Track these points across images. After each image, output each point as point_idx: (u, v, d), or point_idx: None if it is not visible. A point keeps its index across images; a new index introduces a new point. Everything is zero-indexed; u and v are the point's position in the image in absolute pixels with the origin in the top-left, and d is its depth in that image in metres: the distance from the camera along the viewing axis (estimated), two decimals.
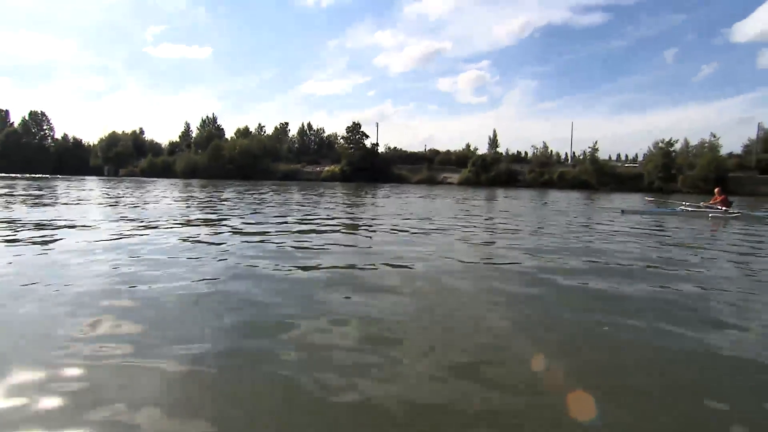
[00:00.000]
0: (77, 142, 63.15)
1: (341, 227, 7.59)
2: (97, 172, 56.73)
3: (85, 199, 13.09)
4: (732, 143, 49.08)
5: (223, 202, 13.05)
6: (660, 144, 40.68)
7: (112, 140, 59.76)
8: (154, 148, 61.97)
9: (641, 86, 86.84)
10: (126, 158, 57.59)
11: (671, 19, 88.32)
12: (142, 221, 7.34)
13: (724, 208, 10.52)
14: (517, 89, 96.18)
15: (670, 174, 38.67)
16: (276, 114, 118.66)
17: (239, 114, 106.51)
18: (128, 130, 62.94)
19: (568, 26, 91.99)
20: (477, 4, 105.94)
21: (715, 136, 40.86)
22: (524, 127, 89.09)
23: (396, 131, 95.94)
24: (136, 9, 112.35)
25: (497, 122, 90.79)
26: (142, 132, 64.95)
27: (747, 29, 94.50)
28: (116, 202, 12.34)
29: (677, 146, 40.91)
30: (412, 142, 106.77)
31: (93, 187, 23.60)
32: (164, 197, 15.44)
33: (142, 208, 10.07)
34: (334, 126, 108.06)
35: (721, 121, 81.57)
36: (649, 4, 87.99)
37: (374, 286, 3.43)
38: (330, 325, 2.52)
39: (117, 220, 7.40)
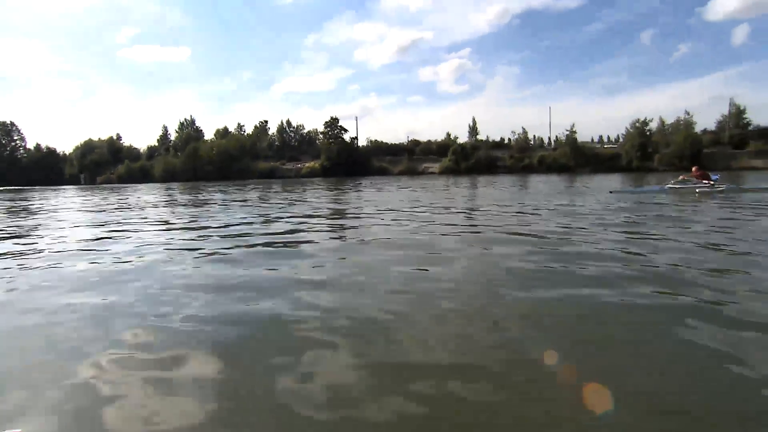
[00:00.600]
0: (51, 152, 61.48)
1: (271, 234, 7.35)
2: (73, 181, 55.45)
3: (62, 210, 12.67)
4: (708, 120, 49.66)
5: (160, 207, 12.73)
6: (636, 124, 41.07)
7: (88, 147, 58.40)
8: (132, 153, 60.70)
9: (621, 68, 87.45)
10: (103, 165, 56.35)
11: (647, 0, 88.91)
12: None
13: (710, 182, 10.44)
14: (499, 76, 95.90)
15: (647, 152, 39.06)
16: (259, 112, 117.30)
17: (222, 114, 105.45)
18: (104, 137, 61.62)
19: (545, 11, 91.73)
20: None
21: (689, 114, 41.33)
22: (508, 113, 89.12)
23: (380, 124, 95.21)
24: (107, 11, 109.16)
25: (480, 110, 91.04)
26: (119, 138, 63.55)
27: (721, 7, 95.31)
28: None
29: (653, 125, 41.37)
30: (397, 135, 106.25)
31: (51, 198, 23.00)
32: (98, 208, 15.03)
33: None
34: (320, 122, 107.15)
35: (699, 99, 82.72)
36: None
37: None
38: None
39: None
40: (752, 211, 6.57)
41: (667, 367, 1.75)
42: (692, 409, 1.45)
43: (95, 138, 61.11)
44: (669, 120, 42.18)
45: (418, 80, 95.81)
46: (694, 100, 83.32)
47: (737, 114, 40.66)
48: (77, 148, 59.08)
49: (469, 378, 1.67)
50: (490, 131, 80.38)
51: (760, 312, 2.24)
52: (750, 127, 39.75)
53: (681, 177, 11.18)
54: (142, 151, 62.51)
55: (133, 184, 43.04)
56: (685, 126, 40.93)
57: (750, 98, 79.10)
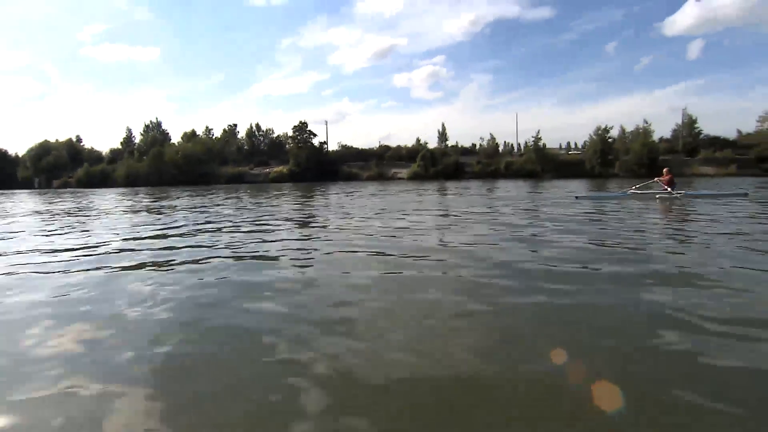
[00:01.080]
0: (2, 154, 58.07)
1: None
2: (27, 185, 52.49)
3: None
4: (666, 129, 52.06)
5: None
6: (598, 131, 42.43)
7: (44, 149, 55.42)
8: (93, 156, 58.08)
9: (589, 78, 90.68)
10: (60, 168, 53.60)
11: (612, 13, 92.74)
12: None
13: (668, 188, 11.11)
14: (473, 83, 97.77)
15: (608, 159, 40.39)
16: (231, 116, 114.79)
17: (192, 117, 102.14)
18: (63, 138, 58.71)
19: (517, 21, 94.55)
20: (429, 0, 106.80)
21: (647, 123, 43.02)
22: (482, 120, 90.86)
23: (354, 129, 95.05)
24: (69, 7, 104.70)
25: (455, 116, 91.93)
26: (79, 140, 60.73)
27: (677, 23, 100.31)
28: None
29: (614, 133, 42.85)
30: (370, 140, 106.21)
31: None
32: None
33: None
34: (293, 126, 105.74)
35: (659, 109, 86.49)
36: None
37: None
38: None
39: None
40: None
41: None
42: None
43: (52, 139, 58.26)
44: (629, 128, 43.90)
45: (392, 86, 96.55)
46: (656, 109, 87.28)
47: (690, 124, 42.66)
48: (31, 149, 55.98)
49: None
50: (465, 137, 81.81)
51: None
52: (701, 136, 41.77)
53: (655, 179, 11.91)
54: (104, 153, 59.96)
55: (93, 189, 41.23)
56: (643, 134, 42.62)
57: (704, 109, 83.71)
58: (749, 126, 41.93)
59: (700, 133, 42.07)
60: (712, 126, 74.67)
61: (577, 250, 4.40)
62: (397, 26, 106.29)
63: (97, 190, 38.55)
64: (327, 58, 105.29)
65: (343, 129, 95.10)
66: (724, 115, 77.39)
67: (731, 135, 41.87)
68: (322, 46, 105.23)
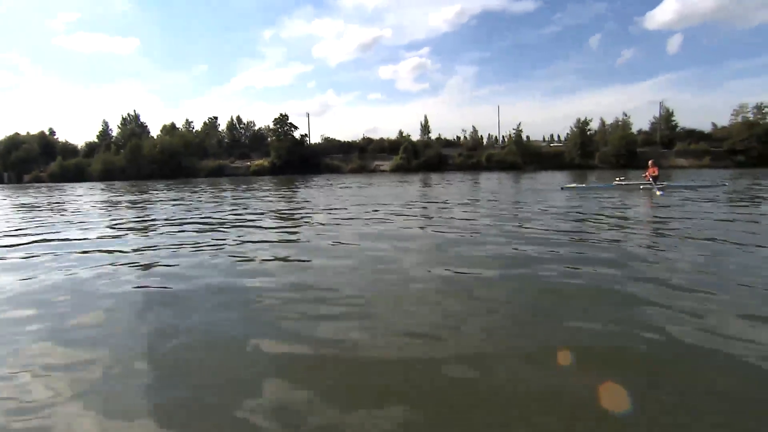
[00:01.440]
0: None
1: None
2: None
3: None
4: (646, 122, 52.92)
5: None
6: (579, 124, 42.88)
7: (13, 143, 53.41)
8: (68, 149, 56.27)
9: (573, 70, 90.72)
10: (31, 162, 51.77)
11: (595, 6, 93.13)
12: None
13: (653, 180, 11.38)
14: (458, 75, 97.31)
15: (588, 151, 40.89)
16: (214, 108, 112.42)
17: (175, 109, 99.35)
18: (35, 131, 56.71)
19: (503, 13, 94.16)
20: None
21: (627, 115, 43.68)
22: (466, 112, 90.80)
23: (339, 121, 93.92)
24: None
25: (441, 108, 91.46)
26: (52, 132, 58.80)
27: (657, 17, 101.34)
28: None
29: (594, 125, 43.37)
30: (356, 132, 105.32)
31: None
32: None
33: None
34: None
35: (640, 102, 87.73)
36: None
37: None
38: None
39: None
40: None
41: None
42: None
43: (23, 132, 56.23)
44: (609, 120, 44.49)
45: (378, 78, 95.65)
46: (636, 102, 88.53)
47: (667, 117, 43.42)
48: (0, 143, 53.93)
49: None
50: (452, 129, 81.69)
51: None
52: (677, 129, 42.55)
53: (643, 175, 12.12)
54: (79, 147, 58.12)
55: (67, 183, 40.09)
56: (622, 126, 43.24)
57: (682, 102, 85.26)
58: (724, 119, 42.90)
59: (676, 125, 42.90)
60: (689, 119, 76.04)
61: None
62: (382, 18, 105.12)
63: (68, 184, 37.43)
64: (311, 49, 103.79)
65: (328, 121, 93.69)
66: (701, 109, 78.95)
67: (707, 128, 42.82)
68: (306, 38, 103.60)
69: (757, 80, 74.87)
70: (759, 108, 38.07)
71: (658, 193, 10.81)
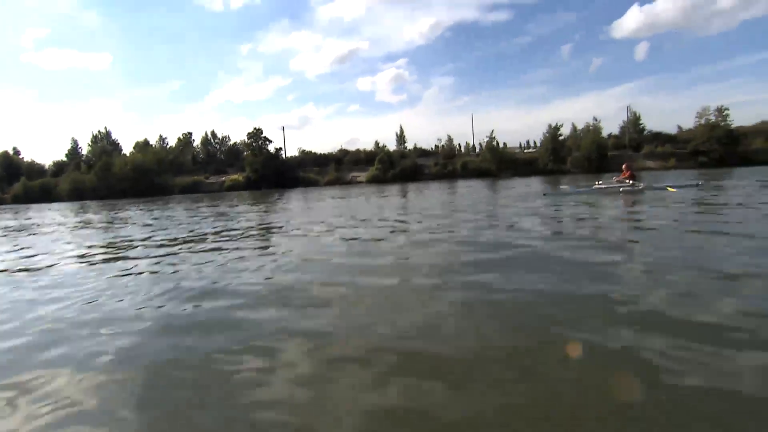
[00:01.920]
0: None
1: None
2: None
3: None
4: (616, 127, 54.54)
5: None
6: (551, 129, 43.74)
7: None
8: (34, 169, 54.42)
9: (546, 79, 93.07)
10: None
11: (564, 17, 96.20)
12: None
13: (632, 182, 11.68)
14: (435, 86, 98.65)
15: (559, 156, 41.68)
16: (192, 124, 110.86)
17: (150, 126, 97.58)
18: None
19: (476, 25, 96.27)
20: (389, 5, 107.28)
21: (597, 120, 44.85)
22: (443, 122, 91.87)
23: (319, 134, 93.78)
24: (7, 9, 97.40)
25: (418, 119, 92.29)
26: (17, 152, 56.88)
27: (624, 26, 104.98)
28: None
29: (565, 131, 44.33)
30: (335, 145, 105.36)
31: None
32: None
33: None
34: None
35: (611, 108, 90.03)
36: (544, 3, 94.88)
37: None
38: None
39: None
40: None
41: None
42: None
43: None
44: (580, 126, 45.55)
45: (356, 90, 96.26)
46: (608, 107, 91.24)
47: (635, 120, 44.75)
48: None
49: None
50: (429, 140, 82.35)
51: None
52: (645, 132, 43.88)
53: (614, 179, 12.47)
54: (47, 167, 56.30)
55: (32, 204, 38.63)
56: (593, 131, 44.31)
57: (650, 107, 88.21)
58: (689, 122, 44.46)
59: (644, 129, 44.22)
60: (657, 123, 78.85)
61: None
62: (358, 31, 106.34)
63: (32, 205, 36.06)
64: (289, 63, 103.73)
65: (308, 134, 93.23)
66: (668, 113, 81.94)
67: (673, 131, 44.28)
68: (283, 52, 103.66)
69: (719, 84, 78.49)
70: (720, 110, 39.62)
71: (638, 186, 11.49)
